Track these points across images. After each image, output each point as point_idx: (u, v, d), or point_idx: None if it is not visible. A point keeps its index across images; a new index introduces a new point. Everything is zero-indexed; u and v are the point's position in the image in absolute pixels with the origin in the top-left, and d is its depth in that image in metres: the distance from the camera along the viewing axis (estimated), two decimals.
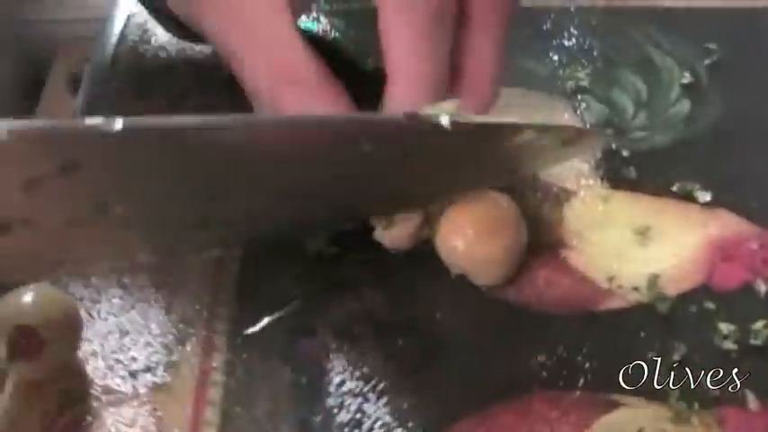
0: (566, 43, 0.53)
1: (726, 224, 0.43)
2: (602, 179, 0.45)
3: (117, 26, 0.54)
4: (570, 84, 0.50)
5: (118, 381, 0.37)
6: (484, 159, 0.39)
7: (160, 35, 0.53)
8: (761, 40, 0.53)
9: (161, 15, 0.49)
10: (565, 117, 0.48)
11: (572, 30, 0.54)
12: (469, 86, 0.41)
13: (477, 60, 0.41)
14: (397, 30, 0.39)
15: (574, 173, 0.45)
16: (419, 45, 0.39)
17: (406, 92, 0.39)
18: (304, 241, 0.42)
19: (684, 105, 0.49)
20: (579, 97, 0.50)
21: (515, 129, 0.37)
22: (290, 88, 0.40)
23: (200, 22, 0.44)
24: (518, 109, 0.48)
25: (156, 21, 0.50)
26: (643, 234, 0.43)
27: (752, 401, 0.37)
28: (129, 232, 0.36)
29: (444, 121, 0.35)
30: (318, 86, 0.40)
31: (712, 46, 0.53)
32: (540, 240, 0.42)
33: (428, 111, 0.36)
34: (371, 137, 0.36)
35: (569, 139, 0.39)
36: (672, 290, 0.41)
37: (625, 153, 0.46)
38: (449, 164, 0.38)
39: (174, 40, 0.52)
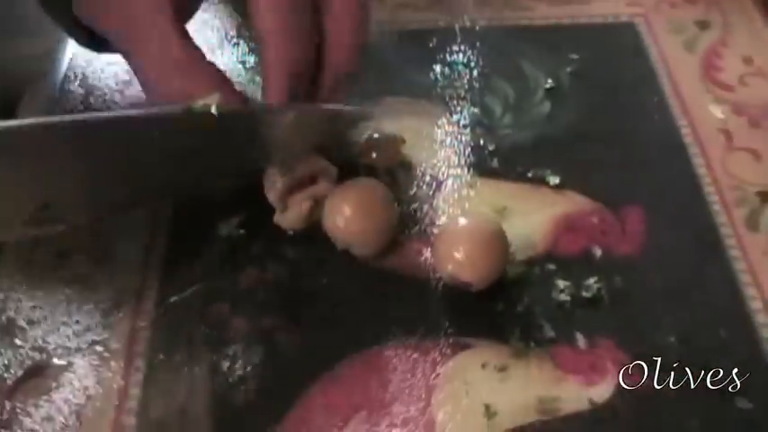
0: (448, 58, 0.62)
1: (571, 202, 0.52)
2: (470, 169, 0.54)
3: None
4: (449, 92, 0.59)
5: (65, 338, 0.46)
6: (259, 141, 0.47)
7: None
8: (613, 49, 0.62)
9: (75, 30, 0.51)
10: (441, 120, 0.57)
11: (454, 46, 0.62)
12: (330, 59, 0.47)
13: (337, 26, 0.46)
14: (264, 15, 0.44)
15: (445, 163, 0.53)
16: (283, 21, 0.44)
17: (275, 75, 0.45)
18: (217, 226, 0.50)
19: (546, 106, 0.58)
20: (456, 103, 0.58)
21: (279, 112, 0.45)
22: (176, 77, 0.45)
23: (98, 27, 0.49)
24: (403, 114, 0.56)
25: (71, 36, 0.53)
26: (501, 213, 0.51)
27: (580, 341, 0.46)
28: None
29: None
30: (199, 72, 0.45)
31: (573, 56, 0.61)
32: (414, 219, 0.51)
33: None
34: (158, 128, 0.43)
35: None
36: (522, 256, 0.49)
37: (491, 147, 0.55)
38: (223, 149, 0.46)
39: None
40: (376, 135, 0.53)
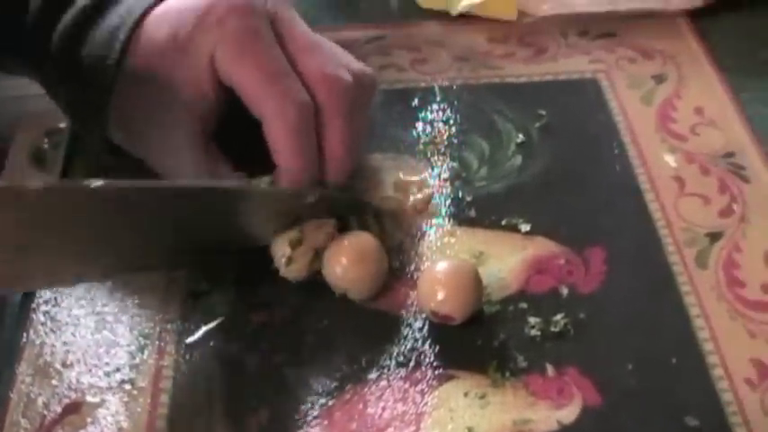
0: (429, 116, 0.68)
1: (541, 246, 0.59)
2: (450, 218, 0.60)
3: None
4: (431, 147, 0.65)
5: (97, 378, 0.52)
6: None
7: None
8: (579, 104, 0.69)
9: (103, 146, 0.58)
10: (423, 174, 0.63)
11: (434, 104, 0.69)
12: (329, 167, 0.55)
13: (331, 144, 0.55)
14: (275, 134, 0.53)
15: (428, 215, 0.60)
16: (293, 143, 0.53)
17: (288, 175, 0.54)
18: (226, 272, 0.57)
19: (518, 159, 0.65)
20: (437, 158, 0.65)
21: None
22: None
23: (137, 154, 0.58)
24: (388, 169, 0.63)
25: (99, 150, 0.59)
26: (478, 257, 0.58)
27: (550, 370, 0.52)
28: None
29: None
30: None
31: (542, 111, 0.68)
32: (402, 265, 0.57)
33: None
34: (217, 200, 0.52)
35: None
36: (497, 296, 0.56)
37: (469, 198, 0.62)
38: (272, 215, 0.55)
39: None
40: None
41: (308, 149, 0.54)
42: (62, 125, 2.49)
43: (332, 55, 0.56)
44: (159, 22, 0.55)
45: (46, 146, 2.36)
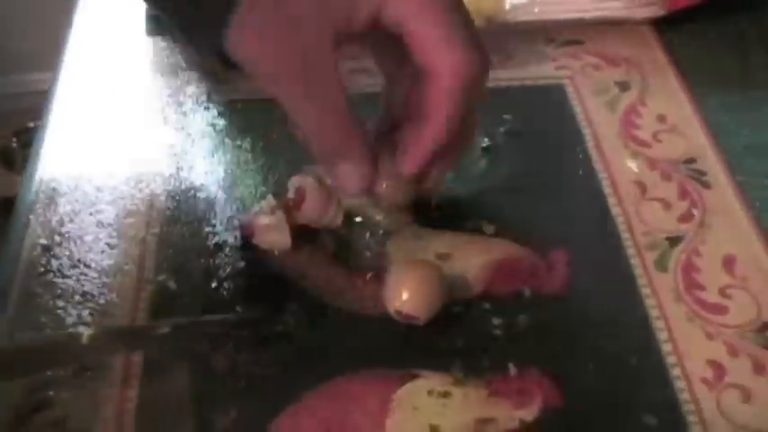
0: None
1: (505, 249, 0.60)
2: (416, 221, 0.61)
3: None
4: None
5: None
6: None
7: None
8: (544, 110, 0.70)
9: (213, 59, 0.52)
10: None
11: None
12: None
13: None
14: (446, 86, 0.51)
15: (395, 218, 0.61)
16: (458, 101, 0.51)
17: (431, 137, 0.52)
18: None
19: (482, 164, 0.66)
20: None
21: None
22: (337, 120, 0.51)
23: (258, 68, 0.51)
24: None
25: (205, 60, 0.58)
26: (443, 259, 0.59)
27: (512, 369, 0.53)
28: None
29: None
30: (355, 120, 0.52)
31: (507, 116, 0.69)
32: (368, 266, 0.58)
33: None
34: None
35: None
36: (461, 297, 0.57)
37: (433, 201, 0.63)
38: None
39: None
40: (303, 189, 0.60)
41: (460, 119, 0.52)
42: (31, 125, 2.51)
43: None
44: None
45: (14, 145, 2.36)
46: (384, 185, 0.54)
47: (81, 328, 0.52)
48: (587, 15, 0.77)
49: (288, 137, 0.55)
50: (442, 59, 0.50)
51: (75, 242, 0.60)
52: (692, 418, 0.51)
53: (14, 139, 2.36)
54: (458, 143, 0.55)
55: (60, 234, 0.61)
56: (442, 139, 0.52)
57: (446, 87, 0.51)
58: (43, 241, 0.61)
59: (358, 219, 0.60)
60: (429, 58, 0.50)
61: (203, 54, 0.53)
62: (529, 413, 0.51)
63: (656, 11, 0.78)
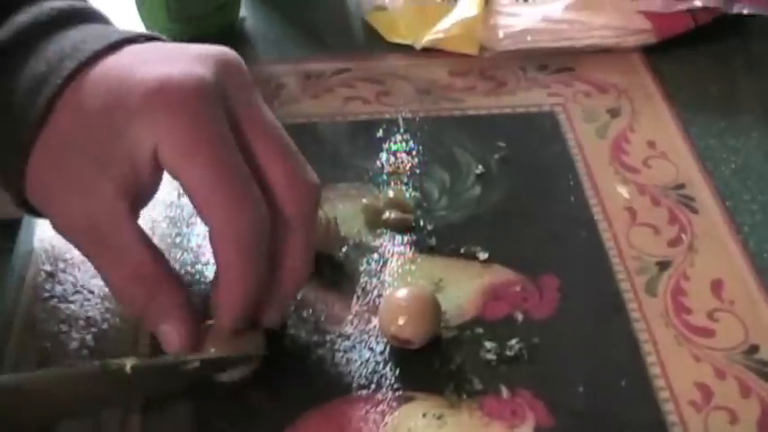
0: (393, 146, 0.71)
1: (498, 274, 0.61)
2: (411, 246, 0.63)
3: None
4: (393, 177, 0.68)
5: None
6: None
7: None
8: (537, 136, 0.72)
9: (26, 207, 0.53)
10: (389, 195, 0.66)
11: (398, 136, 0.72)
12: (285, 281, 0.52)
13: (294, 260, 0.51)
14: (222, 248, 0.48)
15: (390, 243, 0.63)
16: (239, 260, 0.48)
17: (229, 297, 0.49)
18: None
19: (477, 190, 0.67)
20: (402, 187, 0.67)
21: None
22: (139, 289, 0.48)
23: (56, 228, 0.50)
24: (351, 199, 0.65)
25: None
26: (437, 284, 0.60)
27: (504, 392, 0.55)
28: None
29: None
30: (162, 286, 0.49)
31: (501, 143, 0.71)
32: (364, 291, 0.60)
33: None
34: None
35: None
36: (455, 322, 0.58)
37: (429, 227, 0.64)
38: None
39: None
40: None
41: (256, 267, 0.48)
42: None
43: (294, 153, 0.50)
44: (95, 87, 0.48)
45: None
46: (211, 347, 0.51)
47: (124, 360, 0.50)
48: (578, 43, 0.79)
49: None
50: (208, 219, 0.47)
51: (79, 268, 0.61)
52: None
53: None
54: (287, 282, 0.52)
55: (64, 260, 0.62)
56: (239, 295, 0.49)
57: (218, 249, 0.47)
58: (47, 267, 0.62)
59: (353, 244, 0.61)
60: (202, 217, 0.47)
61: (13, 201, 0.52)
62: None
63: (646, 39, 0.79)
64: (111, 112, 0.47)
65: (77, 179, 0.48)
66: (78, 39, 0.51)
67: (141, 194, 0.49)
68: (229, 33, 0.84)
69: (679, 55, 0.80)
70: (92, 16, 0.54)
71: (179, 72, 0.47)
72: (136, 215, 0.49)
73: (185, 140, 0.46)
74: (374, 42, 0.82)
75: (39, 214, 0.52)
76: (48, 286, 0.61)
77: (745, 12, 0.80)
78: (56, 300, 0.60)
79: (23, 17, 0.52)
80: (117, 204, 0.47)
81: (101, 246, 0.49)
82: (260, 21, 0.86)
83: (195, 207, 0.47)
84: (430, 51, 0.80)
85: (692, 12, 0.79)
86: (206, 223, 0.47)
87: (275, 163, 0.49)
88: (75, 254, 0.60)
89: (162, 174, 0.48)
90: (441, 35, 0.79)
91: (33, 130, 0.49)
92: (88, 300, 0.60)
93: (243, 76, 0.50)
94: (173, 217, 0.65)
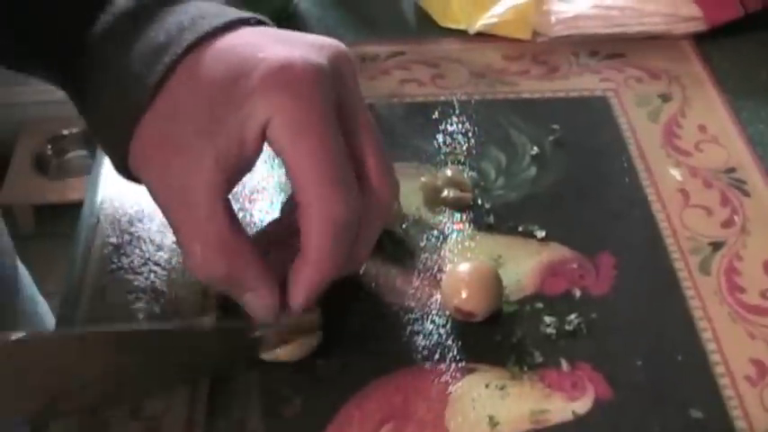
0: (449, 128, 0.72)
1: (555, 252, 0.63)
2: (470, 224, 0.64)
3: None
4: (451, 158, 0.70)
5: None
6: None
7: None
8: (589, 120, 0.73)
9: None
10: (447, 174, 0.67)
11: (454, 117, 0.73)
12: (350, 265, 0.53)
13: (361, 249, 0.53)
14: (316, 232, 0.49)
15: (449, 221, 0.64)
16: (331, 243, 0.49)
17: (310, 278, 0.50)
18: None
19: (532, 171, 0.69)
20: (459, 167, 0.69)
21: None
22: (220, 260, 0.49)
23: (151, 193, 0.51)
24: (409, 177, 0.67)
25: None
26: (496, 261, 0.62)
27: (564, 365, 0.56)
28: None
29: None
30: (242, 260, 0.50)
31: (555, 126, 0.72)
32: (426, 267, 0.61)
33: None
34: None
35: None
36: (515, 297, 0.60)
37: (487, 205, 0.66)
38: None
39: None
40: None
41: (343, 252, 0.50)
42: (65, 132, 2.56)
43: (385, 152, 0.52)
44: (215, 60, 0.50)
45: (49, 152, 2.40)
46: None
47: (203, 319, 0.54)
48: (629, 30, 0.80)
49: None
50: (306, 198, 0.48)
51: (145, 241, 0.63)
52: (735, 413, 0.54)
53: (49, 147, 2.41)
54: (352, 264, 0.54)
55: (130, 233, 0.64)
56: (323, 275, 0.50)
57: (316, 231, 0.49)
58: (113, 240, 0.64)
59: (413, 221, 0.63)
60: (301, 194, 0.48)
61: (113, 163, 0.54)
62: (582, 406, 0.54)
63: (696, 26, 0.81)
64: (230, 86, 0.48)
65: (182, 146, 0.49)
66: (196, 14, 0.52)
67: (239, 170, 0.50)
68: (284, 16, 0.85)
69: (729, 42, 0.81)
70: None
71: (300, 56, 0.48)
72: (229, 189, 0.50)
73: (298, 119, 0.47)
74: (427, 27, 0.84)
75: (135, 179, 0.53)
76: (114, 258, 0.63)
77: None
78: (123, 271, 0.62)
79: None
80: (215, 175, 0.48)
81: (190, 214, 0.49)
82: (314, 4, 0.88)
83: (295, 185, 0.48)
84: (483, 36, 0.81)
85: (743, 0, 0.80)
86: (302, 202, 0.48)
87: (371, 158, 0.51)
88: (139, 227, 0.62)
89: (260, 154, 0.50)
90: (494, 20, 0.80)
91: (148, 95, 0.50)
92: (154, 272, 0.62)
93: (352, 71, 0.52)
94: (235, 193, 0.66)
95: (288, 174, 0.49)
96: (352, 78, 0.52)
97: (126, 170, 0.53)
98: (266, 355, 0.55)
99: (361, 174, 0.51)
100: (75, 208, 0.71)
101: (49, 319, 0.88)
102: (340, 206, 0.48)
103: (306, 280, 0.51)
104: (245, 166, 0.50)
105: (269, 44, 0.50)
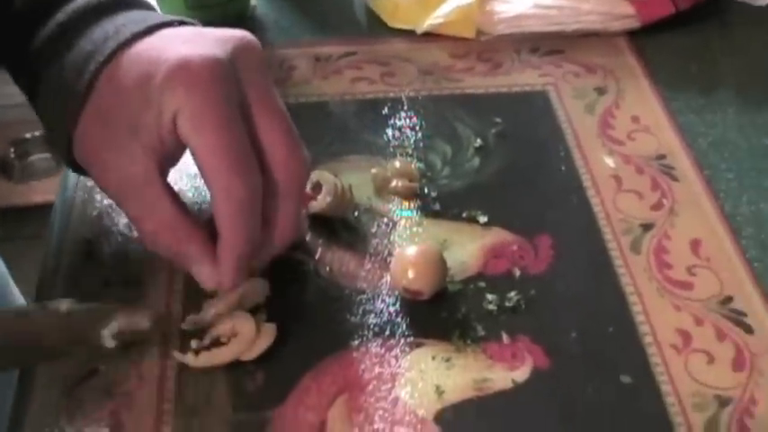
0: (398, 122, 0.77)
1: (497, 235, 0.68)
2: (417, 211, 0.69)
3: None
4: (399, 150, 0.74)
5: None
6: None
7: None
8: (530, 113, 0.78)
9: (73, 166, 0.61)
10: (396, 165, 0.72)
11: (402, 113, 0.78)
12: (275, 241, 0.59)
13: (283, 224, 0.59)
14: (221, 210, 0.55)
15: (398, 209, 0.69)
16: (237, 221, 0.55)
17: (227, 250, 0.56)
18: None
19: (476, 161, 0.74)
20: (407, 159, 0.73)
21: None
22: (169, 237, 0.56)
23: (97, 183, 0.59)
24: (361, 170, 0.72)
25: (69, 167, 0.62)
26: (442, 244, 0.67)
27: (505, 338, 0.61)
28: None
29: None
30: (189, 235, 0.56)
31: (498, 119, 0.77)
32: (377, 250, 0.66)
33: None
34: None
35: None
36: (459, 277, 0.65)
37: (433, 194, 0.70)
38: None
39: None
40: (320, 183, 0.67)
41: (251, 227, 0.56)
42: (28, 135, 2.57)
43: (293, 131, 0.57)
44: (131, 64, 0.56)
45: (12, 156, 2.41)
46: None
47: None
48: (567, 28, 0.85)
49: (307, 137, 0.60)
50: (211, 184, 0.54)
51: (117, 236, 0.67)
52: (662, 378, 0.59)
53: (12, 150, 2.41)
54: (276, 240, 0.60)
55: (100, 226, 0.68)
56: (239, 250, 0.56)
57: (222, 212, 0.55)
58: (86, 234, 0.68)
59: (365, 209, 0.68)
60: (206, 181, 0.54)
61: (62, 160, 0.60)
62: (521, 374, 0.59)
63: (630, 23, 0.86)
64: (142, 86, 0.54)
65: (115, 142, 0.56)
66: (120, 23, 0.59)
67: (167, 156, 0.56)
68: (242, 20, 0.89)
69: (661, 38, 0.86)
70: (138, 3, 0.62)
71: (198, 54, 0.54)
72: (164, 174, 0.57)
73: (197, 113, 0.53)
74: (377, 27, 0.88)
75: (83, 172, 0.60)
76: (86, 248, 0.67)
77: None
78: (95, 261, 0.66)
79: (80, 1, 0.60)
80: (146, 164, 0.55)
81: (134, 200, 0.57)
82: (270, 8, 0.92)
83: (201, 173, 0.54)
84: (430, 35, 0.86)
85: None
86: (208, 187, 0.55)
87: (276, 138, 0.56)
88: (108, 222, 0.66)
89: (183, 142, 0.55)
90: (440, 20, 0.85)
91: (80, 100, 0.57)
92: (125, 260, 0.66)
93: (257, 59, 0.57)
94: (197, 187, 0.70)
95: (195, 162, 0.55)
96: (257, 65, 0.57)
97: (75, 166, 0.60)
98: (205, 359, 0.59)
99: (269, 152, 0.56)
100: (39, 211, 0.75)
101: None
102: (238, 187, 0.54)
103: (226, 257, 0.56)
104: (173, 153, 0.57)
105: (175, 45, 0.56)
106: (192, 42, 0.56)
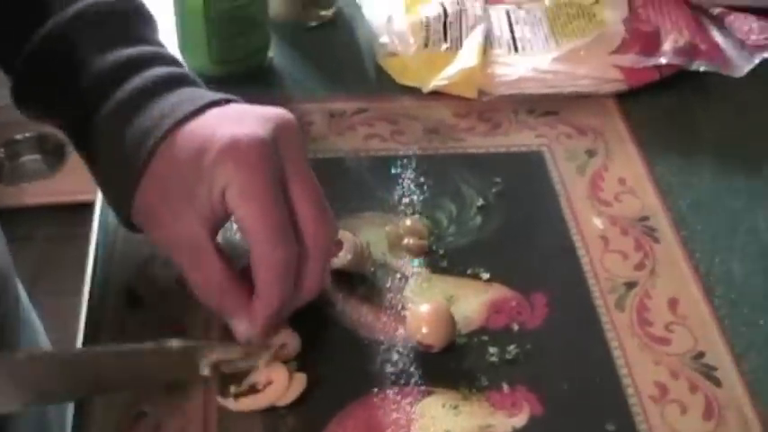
0: (407, 181, 0.84)
1: (498, 291, 0.75)
2: (426, 267, 0.77)
3: None
4: (409, 208, 0.82)
5: None
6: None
7: None
8: (526, 173, 0.86)
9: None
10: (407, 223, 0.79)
11: (411, 171, 0.85)
12: (302, 293, 0.65)
13: (308, 284, 0.65)
14: (261, 275, 0.62)
15: (410, 265, 0.77)
16: (274, 284, 0.62)
17: (263, 309, 0.63)
18: None
19: (478, 220, 0.81)
20: (417, 216, 0.81)
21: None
22: (218, 297, 0.64)
23: (153, 241, 0.67)
24: (376, 226, 0.80)
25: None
26: (449, 299, 0.74)
27: (505, 387, 0.69)
28: None
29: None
30: (236, 297, 0.64)
31: (497, 179, 0.85)
32: (392, 305, 0.74)
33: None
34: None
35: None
36: (465, 330, 0.72)
37: (441, 251, 0.78)
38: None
39: None
40: (341, 240, 0.74)
41: (286, 289, 0.62)
42: (18, 137, 2.61)
43: (324, 203, 0.64)
44: (186, 141, 0.63)
45: (2, 156, 2.47)
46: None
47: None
48: (563, 90, 0.93)
49: (329, 194, 0.67)
50: (254, 249, 0.61)
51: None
52: (642, 427, 0.67)
53: (2, 151, 2.45)
54: (304, 295, 0.66)
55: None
56: (272, 306, 0.63)
57: (261, 272, 0.62)
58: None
59: (379, 264, 0.76)
60: (250, 245, 0.62)
61: (120, 220, 0.68)
62: (520, 421, 0.67)
63: (619, 86, 0.94)
64: (196, 161, 0.62)
65: (172, 208, 0.63)
66: (175, 101, 0.67)
67: (216, 222, 0.64)
68: (259, 72, 0.97)
69: (646, 100, 0.94)
70: (186, 80, 0.70)
71: (245, 133, 0.61)
72: (213, 236, 0.64)
73: (245, 187, 0.61)
74: (386, 83, 0.95)
75: (138, 230, 0.68)
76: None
77: (702, 69, 0.94)
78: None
79: (137, 81, 0.68)
80: (199, 229, 0.63)
81: (186, 256, 0.64)
82: (285, 60, 0.99)
83: (245, 238, 0.62)
84: (436, 94, 0.93)
85: (658, 66, 0.94)
86: (251, 250, 0.62)
87: (308, 209, 0.63)
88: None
89: (231, 210, 0.63)
90: (445, 81, 0.92)
91: (140, 170, 0.64)
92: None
93: (294, 137, 0.64)
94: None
95: (239, 230, 0.63)
96: (295, 143, 0.64)
97: (130, 225, 0.67)
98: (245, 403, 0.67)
99: (302, 222, 0.63)
100: (29, 212, 0.79)
101: (38, 326, 0.98)
102: (277, 252, 0.61)
103: (260, 313, 0.63)
104: (221, 219, 0.64)
105: (223, 124, 0.63)
106: (239, 122, 0.63)
